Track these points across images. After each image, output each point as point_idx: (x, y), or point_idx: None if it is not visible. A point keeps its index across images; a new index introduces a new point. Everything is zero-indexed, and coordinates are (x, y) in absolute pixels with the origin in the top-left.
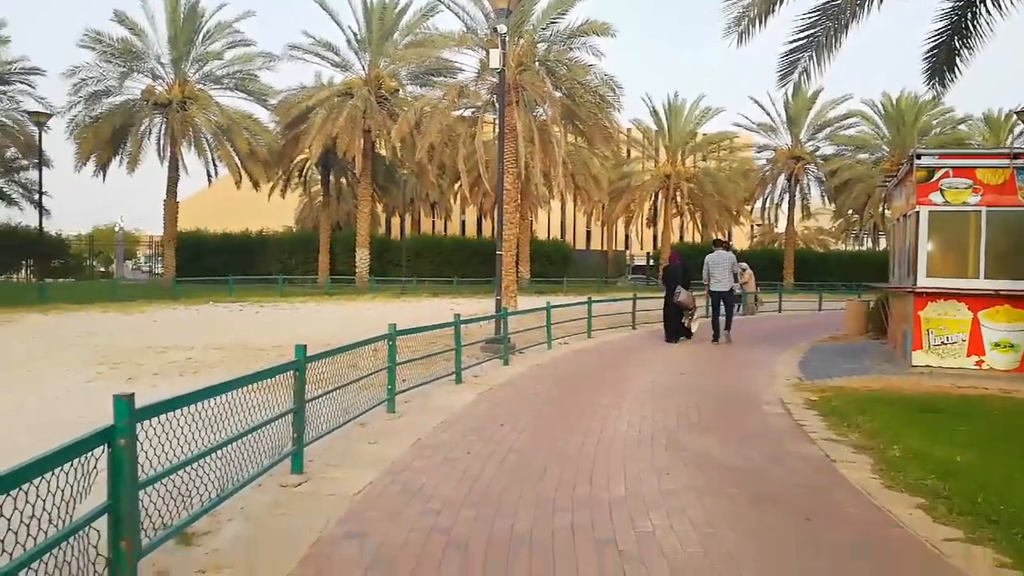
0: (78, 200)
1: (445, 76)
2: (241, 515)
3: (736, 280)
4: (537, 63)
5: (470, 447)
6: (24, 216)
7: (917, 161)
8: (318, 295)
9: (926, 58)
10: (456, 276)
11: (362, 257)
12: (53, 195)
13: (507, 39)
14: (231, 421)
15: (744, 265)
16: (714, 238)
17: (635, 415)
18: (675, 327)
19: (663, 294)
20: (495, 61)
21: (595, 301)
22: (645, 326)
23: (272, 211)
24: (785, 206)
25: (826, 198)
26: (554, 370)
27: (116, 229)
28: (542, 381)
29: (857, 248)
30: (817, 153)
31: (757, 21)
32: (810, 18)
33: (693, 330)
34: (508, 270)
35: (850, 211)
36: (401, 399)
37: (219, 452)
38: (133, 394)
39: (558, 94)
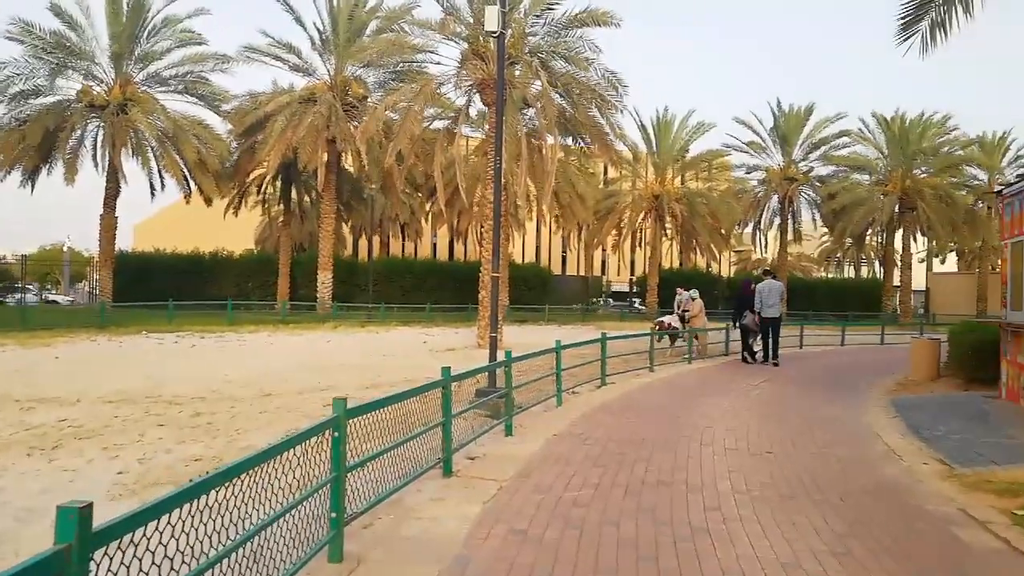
0: (30, 221)
1: (418, 82)
2: None
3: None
4: (528, 53)
5: None
6: None
7: None
8: (273, 323)
9: None
10: (428, 302)
11: (324, 281)
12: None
13: None
14: None
15: (694, 294)
16: (763, 269)
17: (763, 551)
18: (745, 347)
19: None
20: (492, 22)
21: (610, 338)
22: (665, 367)
23: (238, 232)
24: (774, 230)
25: (819, 222)
26: (583, 447)
27: (64, 249)
28: (574, 470)
29: (842, 276)
30: (812, 174)
31: None
32: None
33: (756, 350)
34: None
35: (848, 238)
36: (358, 524)
37: None
38: None
39: (553, 94)
